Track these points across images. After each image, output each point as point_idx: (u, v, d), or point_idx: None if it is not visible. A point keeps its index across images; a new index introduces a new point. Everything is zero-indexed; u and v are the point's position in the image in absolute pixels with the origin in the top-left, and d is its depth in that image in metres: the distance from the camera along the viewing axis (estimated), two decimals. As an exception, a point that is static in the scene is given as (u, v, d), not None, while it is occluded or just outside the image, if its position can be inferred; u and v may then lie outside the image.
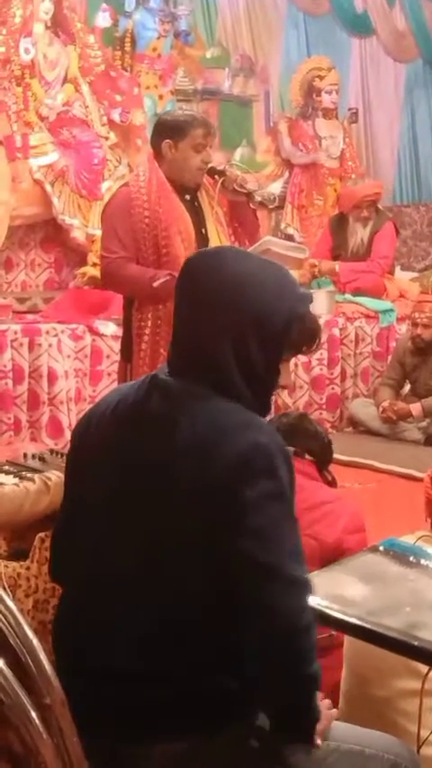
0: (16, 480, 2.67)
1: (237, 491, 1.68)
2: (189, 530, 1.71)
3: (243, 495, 1.68)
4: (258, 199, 4.16)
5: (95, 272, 5.96)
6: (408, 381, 6.60)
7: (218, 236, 4.08)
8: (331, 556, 2.74)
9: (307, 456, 3.13)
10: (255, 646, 1.74)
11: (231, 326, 1.79)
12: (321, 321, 6.74)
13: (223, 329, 1.79)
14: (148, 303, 4.06)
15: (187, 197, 4.10)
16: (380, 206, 7.78)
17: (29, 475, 3.10)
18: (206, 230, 4.08)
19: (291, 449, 3.05)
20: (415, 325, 6.42)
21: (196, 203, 4.12)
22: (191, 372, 1.82)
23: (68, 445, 2.05)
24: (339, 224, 7.60)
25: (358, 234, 7.46)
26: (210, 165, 4.08)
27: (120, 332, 4.58)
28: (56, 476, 2.42)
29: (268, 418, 2.08)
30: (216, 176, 4.07)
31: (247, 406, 1.82)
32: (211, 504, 1.69)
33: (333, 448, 3.32)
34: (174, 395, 1.82)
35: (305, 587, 1.74)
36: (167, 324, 4.04)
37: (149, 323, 4.07)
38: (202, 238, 4.05)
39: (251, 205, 4.16)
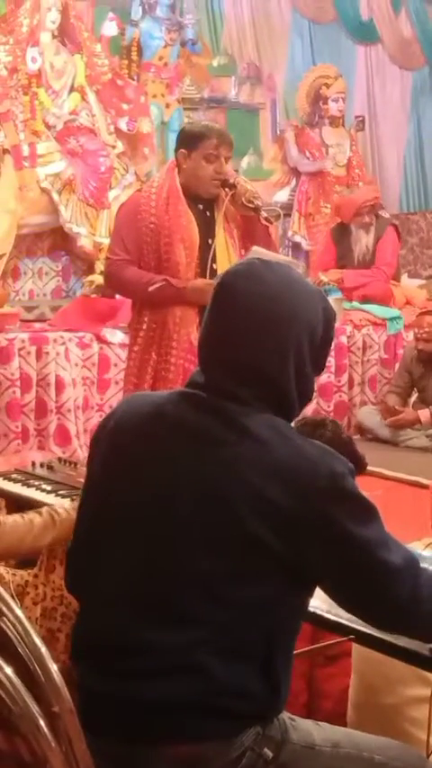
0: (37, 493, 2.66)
1: (331, 516, 1.72)
2: (257, 556, 1.71)
3: (338, 521, 1.72)
4: (264, 215, 4.18)
5: (103, 280, 5.98)
6: (415, 389, 6.59)
7: (226, 249, 4.11)
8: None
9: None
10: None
11: (291, 342, 1.79)
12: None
13: (285, 346, 1.79)
14: (145, 307, 4.16)
15: (200, 206, 4.14)
16: (382, 213, 7.79)
17: (44, 484, 3.09)
18: (213, 241, 4.09)
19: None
20: (417, 339, 6.43)
21: (209, 213, 4.15)
22: (241, 391, 1.79)
23: (88, 452, 1.99)
24: (341, 233, 7.59)
25: (362, 241, 7.46)
26: (224, 178, 4.09)
27: (127, 340, 4.62)
28: (65, 511, 2.37)
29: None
30: (227, 189, 4.09)
31: (293, 415, 1.86)
32: (296, 531, 1.71)
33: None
34: (230, 416, 1.78)
35: (407, 570, 1.78)
36: (162, 328, 4.09)
37: (144, 326, 4.19)
38: (208, 249, 4.07)
39: (261, 221, 4.18)
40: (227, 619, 1.72)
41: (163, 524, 1.77)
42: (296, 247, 8.39)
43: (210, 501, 1.73)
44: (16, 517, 2.38)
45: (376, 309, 7.19)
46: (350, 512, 1.74)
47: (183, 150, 4.09)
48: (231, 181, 4.10)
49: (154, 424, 1.85)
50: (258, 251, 3.97)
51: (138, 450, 1.84)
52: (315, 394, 6.55)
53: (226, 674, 1.72)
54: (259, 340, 1.78)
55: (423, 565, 1.82)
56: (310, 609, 1.92)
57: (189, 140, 4.09)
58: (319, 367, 1.89)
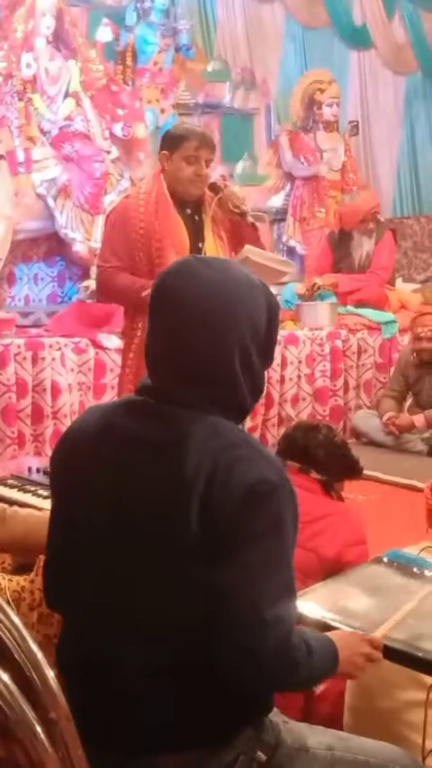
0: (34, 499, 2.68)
1: (239, 523, 1.66)
2: (193, 559, 1.69)
3: (242, 528, 1.66)
4: (251, 220, 4.19)
5: (95, 288, 5.98)
6: (411, 393, 6.60)
7: (216, 252, 4.12)
8: (332, 569, 2.73)
9: (313, 473, 3.10)
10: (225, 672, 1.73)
11: (234, 337, 1.76)
12: (324, 333, 6.77)
13: (227, 342, 1.75)
14: (138, 313, 4.16)
15: (188, 211, 4.15)
16: (380, 218, 7.82)
17: (40, 489, 3.11)
18: (203, 244, 4.11)
19: (296, 464, 3.06)
20: (419, 339, 6.41)
21: (197, 217, 4.16)
22: (188, 393, 1.77)
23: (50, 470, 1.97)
24: (339, 239, 7.62)
25: (364, 247, 7.49)
26: (210, 181, 4.11)
27: (123, 345, 4.62)
28: None
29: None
30: (213, 193, 4.11)
31: (246, 412, 1.83)
32: (213, 535, 1.67)
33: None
34: (173, 421, 1.76)
35: (279, 628, 1.69)
36: None
37: (139, 332, 4.20)
38: (198, 252, 4.08)
39: (248, 224, 4.20)
40: (194, 623, 1.71)
41: (119, 538, 1.76)
42: (291, 252, 8.41)
43: (156, 509, 1.72)
44: (30, 509, 2.40)
45: (371, 313, 7.20)
46: (259, 520, 1.68)
47: (164, 152, 4.11)
48: (218, 185, 4.13)
49: (102, 438, 1.83)
50: (250, 249, 3.98)
51: (87, 467, 1.83)
52: (311, 398, 6.64)
53: (207, 679, 1.72)
54: (199, 337, 1.75)
55: (427, 572, 1.80)
56: (313, 615, 1.92)
57: (170, 142, 4.10)
58: (268, 359, 1.86)
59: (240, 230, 4.21)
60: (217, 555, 1.67)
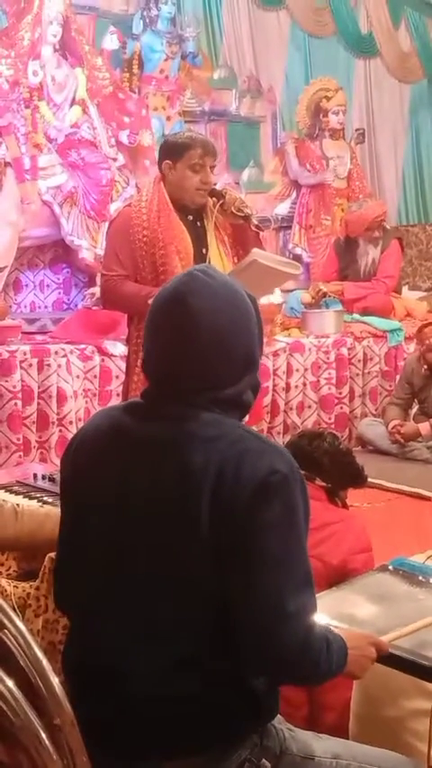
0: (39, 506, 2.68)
1: (252, 515, 1.67)
2: (202, 556, 1.69)
3: (256, 519, 1.67)
4: (255, 223, 4.19)
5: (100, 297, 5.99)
6: (416, 401, 6.59)
7: (220, 258, 4.12)
8: (337, 577, 2.73)
9: (318, 481, 3.10)
10: (253, 667, 1.76)
11: (242, 348, 1.80)
12: (329, 341, 6.77)
13: (238, 354, 1.80)
14: (142, 320, 4.11)
15: (190, 217, 4.15)
16: (386, 225, 7.82)
17: (46, 496, 3.12)
18: (207, 251, 4.11)
19: (301, 472, 3.06)
20: (423, 352, 6.39)
21: (199, 224, 4.16)
22: (193, 396, 1.79)
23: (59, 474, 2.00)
24: (346, 246, 7.62)
25: (369, 255, 7.48)
26: (212, 188, 4.11)
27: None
28: None
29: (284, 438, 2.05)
30: (215, 199, 4.11)
31: (249, 408, 1.86)
32: (226, 530, 1.68)
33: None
34: (177, 420, 1.78)
35: (303, 618, 1.72)
36: None
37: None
38: (202, 259, 4.08)
39: (252, 228, 4.19)
40: (204, 625, 1.72)
41: (126, 539, 1.78)
42: (296, 259, 8.37)
43: (164, 509, 1.73)
44: (36, 507, 2.41)
45: (377, 321, 7.19)
46: (273, 510, 1.69)
47: (167, 161, 4.09)
48: (219, 190, 4.12)
49: (108, 440, 1.86)
50: (258, 252, 3.97)
51: (94, 468, 1.86)
52: (317, 406, 6.64)
53: (213, 684, 1.72)
54: (210, 349, 1.78)
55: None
56: (319, 623, 1.91)
57: (173, 151, 4.08)
58: (260, 355, 1.89)
59: (243, 235, 4.21)
60: (231, 550, 1.67)
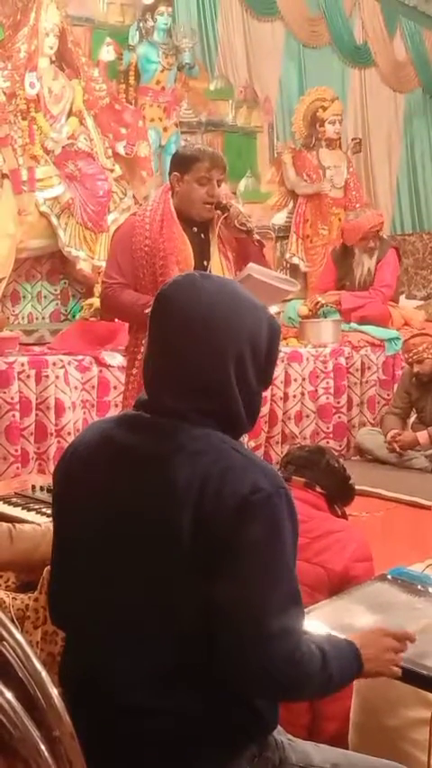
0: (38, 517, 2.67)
1: (235, 533, 1.65)
2: (188, 572, 1.67)
3: (238, 538, 1.65)
4: (257, 237, 4.20)
5: (99, 304, 6.00)
6: (414, 410, 6.59)
7: (221, 271, 4.13)
8: (339, 583, 2.73)
9: (318, 488, 3.12)
10: (239, 685, 1.73)
11: (231, 350, 1.75)
12: (327, 350, 6.77)
13: (224, 354, 1.75)
14: (141, 329, 4.15)
15: (195, 229, 4.16)
16: (383, 235, 7.84)
17: (44, 508, 3.12)
18: (209, 263, 4.12)
19: (301, 479, 3.08)
20: (410, 364, 6.42)
21: (203, 236, 4.18)
22: (182, 406, 1.76)
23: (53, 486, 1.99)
24: (344, 256, 7.64)
25: (365, 264, 7.50)
26: (217, 200, 4.12)
27: (126, 363, 4.63)
28: None
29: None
30: (219, 212, 4.12)
31: (242, 430, 1.82)
32: (209, 546, 1.66)
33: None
34: (165, 433, 1.76)
35: (287, 638, 1.68)
36: None
37: (142, 348, 4.15)
38: (203, 270, 4.08)
39: (254, 242, 4.21)
40: (195, 635, 1.70)
41: (113, 552, 1.76)
42: (294, 269, 8.42)
43: (148, 522, 1.72)
44: (32, 525, 2.41)
45: (374, 330, 7.21)
46: (255, 529, 1.66)
47: (176, 173, 4.12)
48: (224, 203, 4.13)
49: (98, 452, 1.84)
50: (253, 267, 3.98)
51: (83, 481, 1.84)
52: (315, 415, 6.64)
53: (210, 695, 1.72)
54: (194, 346, 1.75)
55: (431, 590, 1.78)
56: (318, 633, 1.91)
57: (182, 163, 4.11)
58: (266, 381, 1.85)
59: (246, 249, 4.23)
60: (215, 567, 1.65)
